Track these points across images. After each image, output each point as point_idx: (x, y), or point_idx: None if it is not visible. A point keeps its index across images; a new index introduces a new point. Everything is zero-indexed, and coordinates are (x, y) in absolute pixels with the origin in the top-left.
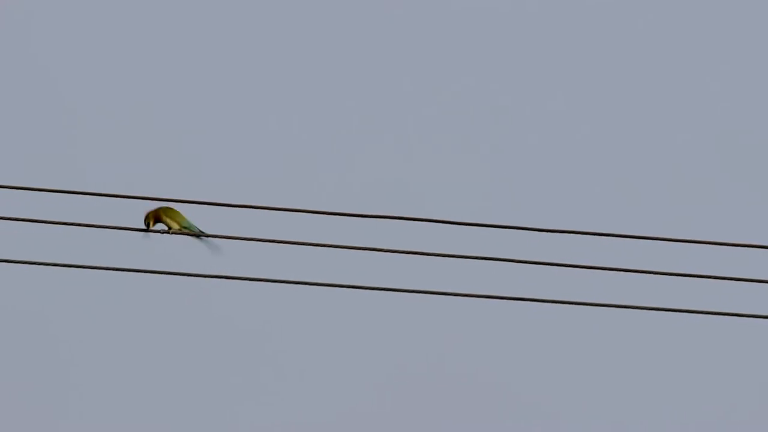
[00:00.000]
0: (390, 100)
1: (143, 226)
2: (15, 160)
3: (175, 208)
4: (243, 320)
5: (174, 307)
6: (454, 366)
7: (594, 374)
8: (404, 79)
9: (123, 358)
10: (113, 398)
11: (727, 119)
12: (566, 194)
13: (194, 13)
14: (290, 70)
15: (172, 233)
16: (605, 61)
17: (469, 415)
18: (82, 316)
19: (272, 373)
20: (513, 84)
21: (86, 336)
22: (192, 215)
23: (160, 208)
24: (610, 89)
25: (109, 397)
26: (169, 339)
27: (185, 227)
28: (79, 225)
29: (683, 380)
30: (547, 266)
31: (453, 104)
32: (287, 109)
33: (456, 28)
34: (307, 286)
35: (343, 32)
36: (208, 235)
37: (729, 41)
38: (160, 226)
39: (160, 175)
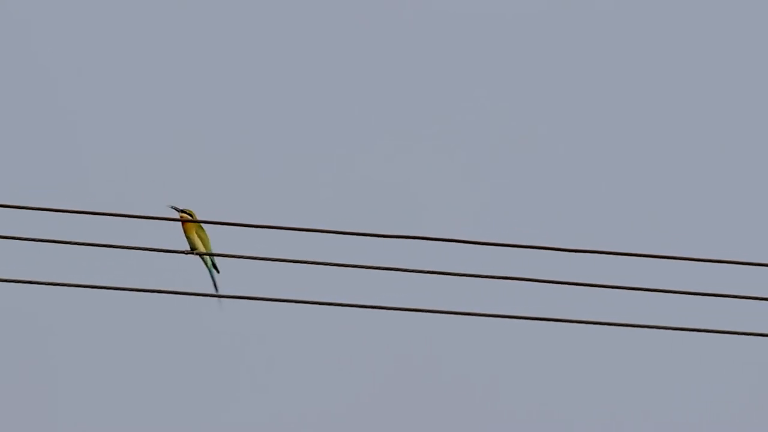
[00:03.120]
0: (396, 118)
1: (176, 212)
2: (20, 179)
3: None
4: (242, 338)
5: (186, 324)
6: (455, 384)
7: (595, 392)
8: (407, 93)
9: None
10: (115, 407)
11: (745, 141)
12: (566, 211)
13: (202, 29)
14: (293, 81)
15: (196, 254)
16: (604, 67)
17: None
18: (79, 334)
19: (273, 383)
20: (522, 99)
21: (88, 352)
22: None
23: (198, 224)
24: (614, 100)
25: (111, 406)
26: (180, 360)
27: (208, 255)
28: (84, 244)
29: (685, 398)
30: (546, 284)
31: (462, 120)
32: (289, 124)
33: (467, 39)
34: (303, 305)
35: (354, 48)
36: (218, 272)
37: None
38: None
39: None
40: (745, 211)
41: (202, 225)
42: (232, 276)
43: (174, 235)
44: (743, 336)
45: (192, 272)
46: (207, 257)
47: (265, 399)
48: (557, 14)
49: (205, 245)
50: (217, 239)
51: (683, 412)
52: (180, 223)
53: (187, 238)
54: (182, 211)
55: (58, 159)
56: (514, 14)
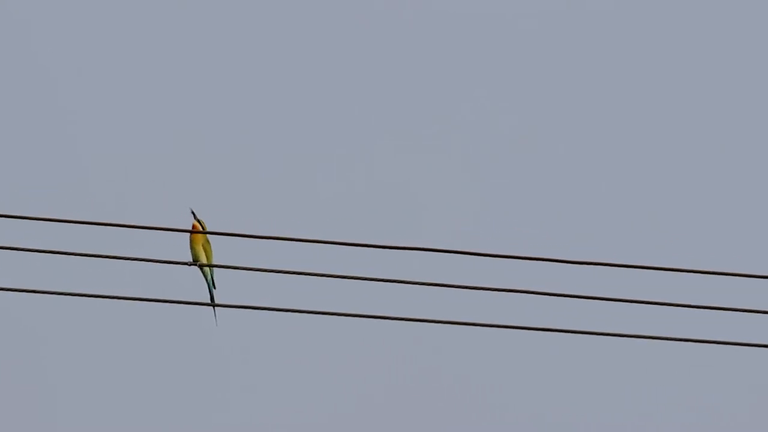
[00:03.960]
0: (401, 126)
1: (194, 221)
2: (19, 180)
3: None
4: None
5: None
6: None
7: (593, 401)
8: (409, 99)
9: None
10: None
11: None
12: (566, 212)
13: (202, 29)
14: (293, 81)
15: (200, 266)
16: (605, 68)
17: None
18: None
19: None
20: (522, 99)
21: (87, 358)
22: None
23: (206, 237)
24: (615, 100)
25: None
26: (186, 370)
27: (209, 268)
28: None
29: (683, 407)
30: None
31: (462, 120)
32: (289, 125)
33: (467, 39)
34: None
35: (354, 48)
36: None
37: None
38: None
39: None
40: (749, 215)
41: (209, 239)
42: (230, 283)
43: (173, 242)
44: (742, 347)
45: (191, 282)
46: (207, 271)
47: (264, 405)
48: (557, 15)
49: (208, 259)
50: (217, 246)
51: (680, 421)
52: (187, 232)
53: (192, 248)
54: (197, 221)
55: (57, 160)
56: (514, 14)
